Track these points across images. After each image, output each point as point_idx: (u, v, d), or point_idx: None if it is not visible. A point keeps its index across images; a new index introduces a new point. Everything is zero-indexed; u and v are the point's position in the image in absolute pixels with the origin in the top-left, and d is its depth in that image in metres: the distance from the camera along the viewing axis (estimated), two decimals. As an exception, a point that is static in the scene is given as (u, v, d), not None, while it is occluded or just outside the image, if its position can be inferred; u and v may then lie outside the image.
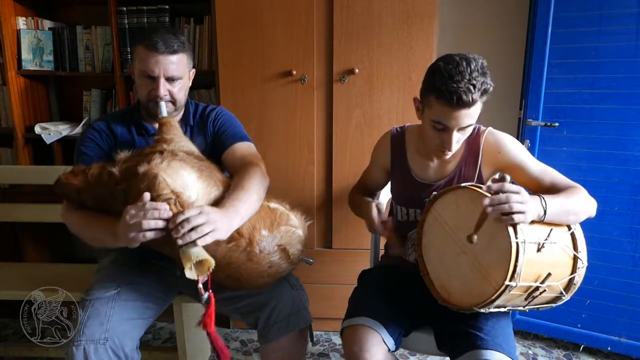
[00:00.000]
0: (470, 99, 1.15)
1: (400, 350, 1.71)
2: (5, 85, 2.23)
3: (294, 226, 1.29)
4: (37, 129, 2.23)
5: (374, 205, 1.37)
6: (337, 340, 2.15)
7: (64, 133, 2.24)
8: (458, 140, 1.25)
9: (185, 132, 1.48)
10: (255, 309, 1.36)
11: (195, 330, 1.88)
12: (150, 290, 1.41)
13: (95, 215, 1.25)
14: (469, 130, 1.26)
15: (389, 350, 1.23)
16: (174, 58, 1.39)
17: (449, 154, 1.29)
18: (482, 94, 1.17)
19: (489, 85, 1.18)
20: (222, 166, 1.46)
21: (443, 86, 1.16)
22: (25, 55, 2.21)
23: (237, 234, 1.18)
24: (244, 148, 1.48)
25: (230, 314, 1.49)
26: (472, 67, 1.16)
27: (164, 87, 1.39)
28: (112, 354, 1.21)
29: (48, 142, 2.22)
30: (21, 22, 2.20)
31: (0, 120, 2.35)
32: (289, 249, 1.26)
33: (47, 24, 2.29)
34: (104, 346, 1.20)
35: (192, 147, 1.36)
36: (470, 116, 1.19)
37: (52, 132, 2.23)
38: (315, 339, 2.15)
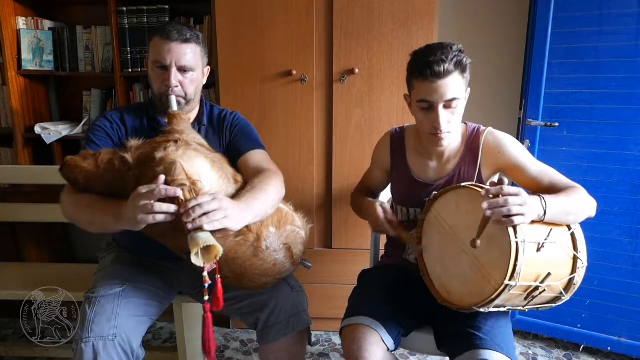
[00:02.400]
0: (444, 69, 1.20)
1: (400, 350, 1.71)
2: (5, 85, 2.23)
3: (298, 227, 1.30)
4: (37, 129, 2.23)
5: (377, 204, 1.37)
6: (337, 340, 2.15)
7: (64, 133, 2.24)
8: (448, 120, 1.26)
9: (198, 132, 1.47)
10: (256, 310, 1.36)
11: (195, 330, 1.88)
12: (153, 289, 1.41)
13: (97, 197, 1.24)
14: (457, 110, 1.26)
15: (388, 349, 1.23)
16: (186, 47, 1.39)
17: (444, 138, 1.28)
18: (456, 66, 1.21)
19: (463, 58, 1.22)
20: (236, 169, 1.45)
21: (418, 64, 1.24)
22: (25, 55, 2.21)
23: (246, 228, 1.17)
24: (261, 156, 1.47)
25: (230, 314, 1.50)
26: (444, 45, 1.23)
27: (175, 77, 1.39)
28: (121, 350, 1.21)
29: (48, 142, 2.22)
30: (21, 22, 2.20)
31: (0, 120, 2.35)
32: (293, 249, 1.27)
33: (47, 24, 2.29)
34: (113, 342, 1.20)
35: (202, 140, 1.37)
36: (450, 88, 1.22)
37: (52, 132, 2.23)
38: (315, 339, 2.15)
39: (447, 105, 1.24)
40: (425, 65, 1.21)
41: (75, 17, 2.36)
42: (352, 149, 1.96)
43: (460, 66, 1.22)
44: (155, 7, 2.11)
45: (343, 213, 2.02)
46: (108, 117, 1.46)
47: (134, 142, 1.25)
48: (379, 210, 1.35)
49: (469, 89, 1.30)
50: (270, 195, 1.25)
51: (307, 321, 1.38)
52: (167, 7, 2.11)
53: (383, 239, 1.63)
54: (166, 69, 1.39)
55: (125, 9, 2.11)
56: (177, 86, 1.40)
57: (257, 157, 1.45)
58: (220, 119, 1.53)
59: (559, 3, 1.81)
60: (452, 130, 1.29)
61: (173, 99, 1.39)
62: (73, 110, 2.44)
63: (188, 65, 1.40)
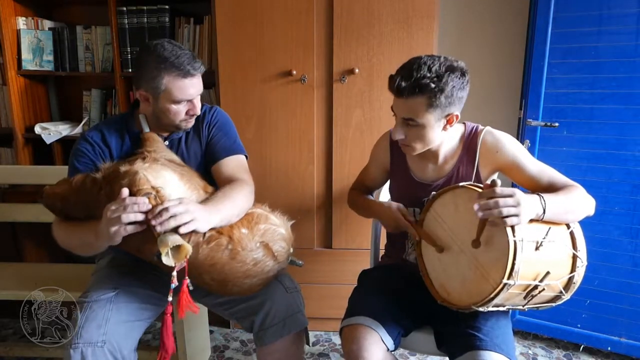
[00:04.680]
0: (400, 86, 1.19)
1: (400, 350, 1.71)
2: (5, 85, 2.24)
3: (274, 224, 1.30)
4: (37, 129, 2.23)
5: (394, 208, 1.36)
6: (337, 340, 2.15)
7: (64, 133, 2.24)
8: (404, 134, 1.27)
9: (180, 138, 1.47)
10: (251, 313, 1.35)
11: (195, 330, 1.88)
12: (148, 291, 1.41)
13: (79, 221, 1.28)
14: (418, 131, 1.25)
15: (388, 349, 1.23)
16: (199, 77, 1.38)
17: (406, 149, 1.32)
18: (418, 90, 1.18)
19: (429, 83, 1.17)
20: (210, 176, 1.45)
21: (391, 76, 1.24)
22: (25, 55, 2.21)
23: (217, 232, 1.19)
24: (235, 163, 1.45)
25: (227, 318, 1.50)
26: (421, 64, 1.19)
27: (199, 104, 1.41)
28: (110, 356, 1.22)
29: (48, 142, 2.23)
30: (21, 22, 2.21)
31: (0, 120, 2.36)
32: (272, 246, 1.26)
33: (47, 24, 2.29)
34: (102, 349, 1.20)
35: (173, 157, 1.39)
36: (406, 108, 1.22)
37: (52, 132, 2.23)
38: (314, 339, 2.15)
39: (406, 122, 1.26)
40: (391, 79, 1.23)
41: (75, 17, 2.36)
42: (352, 149, 1.96)
43: (425, 91, 1.17)
44: (155, 7, 2.12)
45: (343, 213, 2.01)
46: (89, 140, 1.42)
47: (106, 165, 1.29)
48: (398, 215, 1.35)
49: (452, 114, 1.24)
50: (237, 202, 1.27)
51: (303, 322, 1.37)
52: (167, 7, 2.11)
53: (383, 239, 1.63)
54: (190, 101, 1.38)
55: (125, 9, 2.11)
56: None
57: (231, 164, 1.44)
58: (199, 118, 1.50)
59: (559, 3, 1.81)
60: (410, 145, 1.29)
61: (143, 119, 1.40)
62: (73, 110, 2.45)
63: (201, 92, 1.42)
